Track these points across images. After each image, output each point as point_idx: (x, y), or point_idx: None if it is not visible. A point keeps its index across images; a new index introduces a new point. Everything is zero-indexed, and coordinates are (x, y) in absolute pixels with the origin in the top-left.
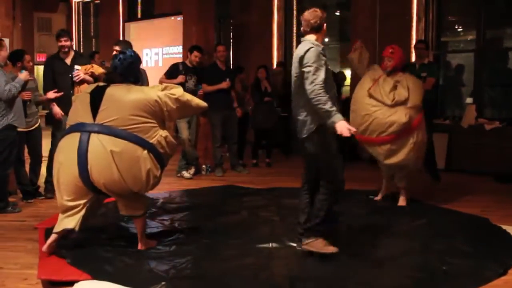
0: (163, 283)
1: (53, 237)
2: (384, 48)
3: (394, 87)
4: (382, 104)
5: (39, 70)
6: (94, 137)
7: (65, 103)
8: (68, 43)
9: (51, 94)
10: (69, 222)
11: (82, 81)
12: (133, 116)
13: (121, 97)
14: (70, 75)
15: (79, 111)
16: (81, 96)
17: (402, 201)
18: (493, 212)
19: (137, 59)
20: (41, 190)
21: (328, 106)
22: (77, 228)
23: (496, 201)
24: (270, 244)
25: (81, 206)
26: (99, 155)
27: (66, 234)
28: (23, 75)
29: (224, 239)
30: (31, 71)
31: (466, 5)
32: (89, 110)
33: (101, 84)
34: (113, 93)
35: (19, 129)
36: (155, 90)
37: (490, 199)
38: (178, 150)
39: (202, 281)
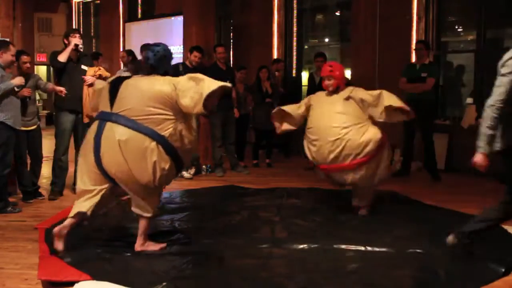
0: (164, 283)
1: (68, 221)
2: (320, 64)
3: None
4: (352, 124)
5: (40, 70)
6: (108, 126)
7: (76, 102)
8: (79, 40)
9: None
10: (83, 205)
11: (91, 84)
12: (147, 107)
13: (139, 87)
14: (81, 76)
15: (102, 100)
16: (105, 86)
17: (363, 211)
18: None
19: (170, 54)
20: (42, 190)
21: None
22: (89, 213)
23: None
24: (270, 244)
25: (96, 191)
26: (110, 143)
27: (79, 221)
28: (17, 80)
29: (224, 239)
30: (28, 71)
31: (466, 5)
32: (108, 99)
33: (123, 75)
34: (132, 84)
35: (19, 129)
36: (175, 80)
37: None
38: None
39: (202, 281)
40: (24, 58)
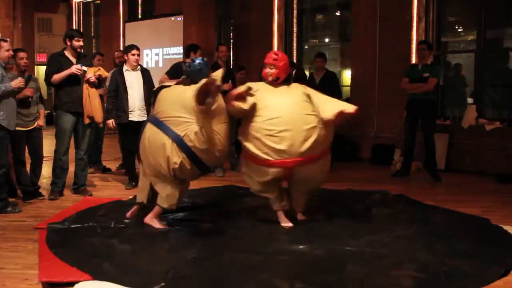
0: (162, 284)
1: None
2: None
3: None
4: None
5: (40, 70)
6: (147, 125)
7: (76, 103)
8: (82, 44)
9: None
10: None
11: (94, 83)
12: (171, 111)
13: (168, 94)
14: (80, 76)
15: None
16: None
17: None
18: (493, 213)
19: (205, 66)
20: (42, 190)
21: None
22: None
23: (497, 202)
24: (270, 244)
25: None
26: (143, 139)
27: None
28: (15, 82)
29: (224, 239)
30: (26, 68)
31: (466, 5)
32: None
33: (166, 84)
34: (167, 91)
35: (19, 128)
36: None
37: (491, 199)
38: None
39: (202, 281)
40: (21, 54)
